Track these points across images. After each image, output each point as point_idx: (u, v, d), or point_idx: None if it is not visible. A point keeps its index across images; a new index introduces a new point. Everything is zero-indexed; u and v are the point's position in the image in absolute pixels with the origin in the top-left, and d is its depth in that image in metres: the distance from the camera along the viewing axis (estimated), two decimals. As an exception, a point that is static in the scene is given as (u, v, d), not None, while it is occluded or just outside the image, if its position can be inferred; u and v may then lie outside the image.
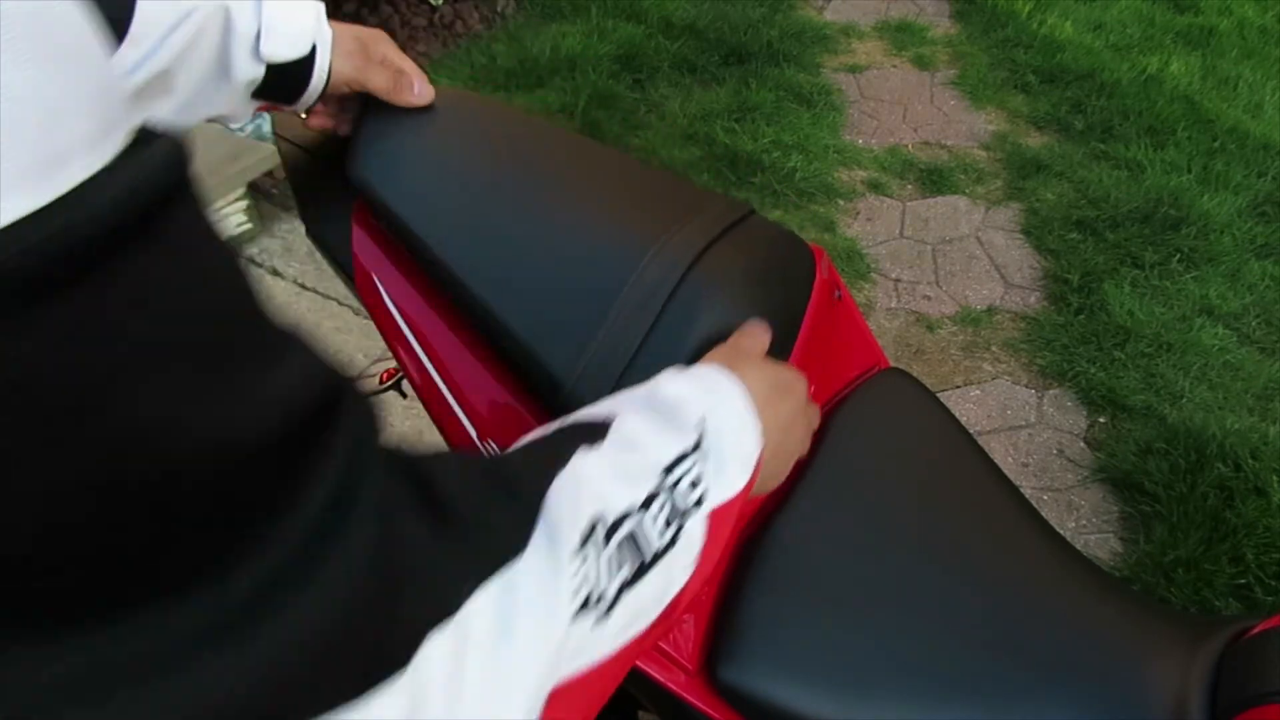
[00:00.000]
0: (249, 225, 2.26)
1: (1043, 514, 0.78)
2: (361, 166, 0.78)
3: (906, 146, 2.78)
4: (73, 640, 0.24)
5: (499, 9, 3.19)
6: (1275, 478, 1.73)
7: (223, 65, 0.67)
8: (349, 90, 0.75)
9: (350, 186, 0.79)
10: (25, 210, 0.22)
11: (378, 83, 0.75)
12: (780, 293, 0.75)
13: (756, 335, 0.66)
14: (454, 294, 0.72)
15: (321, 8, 0.71)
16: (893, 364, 0.87)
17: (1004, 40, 3.25)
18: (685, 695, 0.68)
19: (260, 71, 0.68)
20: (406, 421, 1.87)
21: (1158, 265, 2.30)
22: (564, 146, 0.83)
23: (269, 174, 2.35)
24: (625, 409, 0.49)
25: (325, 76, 0.72)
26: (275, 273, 2.20)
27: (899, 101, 2.97)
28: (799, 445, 0.62)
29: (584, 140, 0.85)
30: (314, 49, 0.71)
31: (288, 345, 0.30)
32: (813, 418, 0.65)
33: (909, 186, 2.63)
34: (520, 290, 0.70)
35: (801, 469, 0.75)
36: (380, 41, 0.75)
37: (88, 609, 0.25)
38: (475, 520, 0.36)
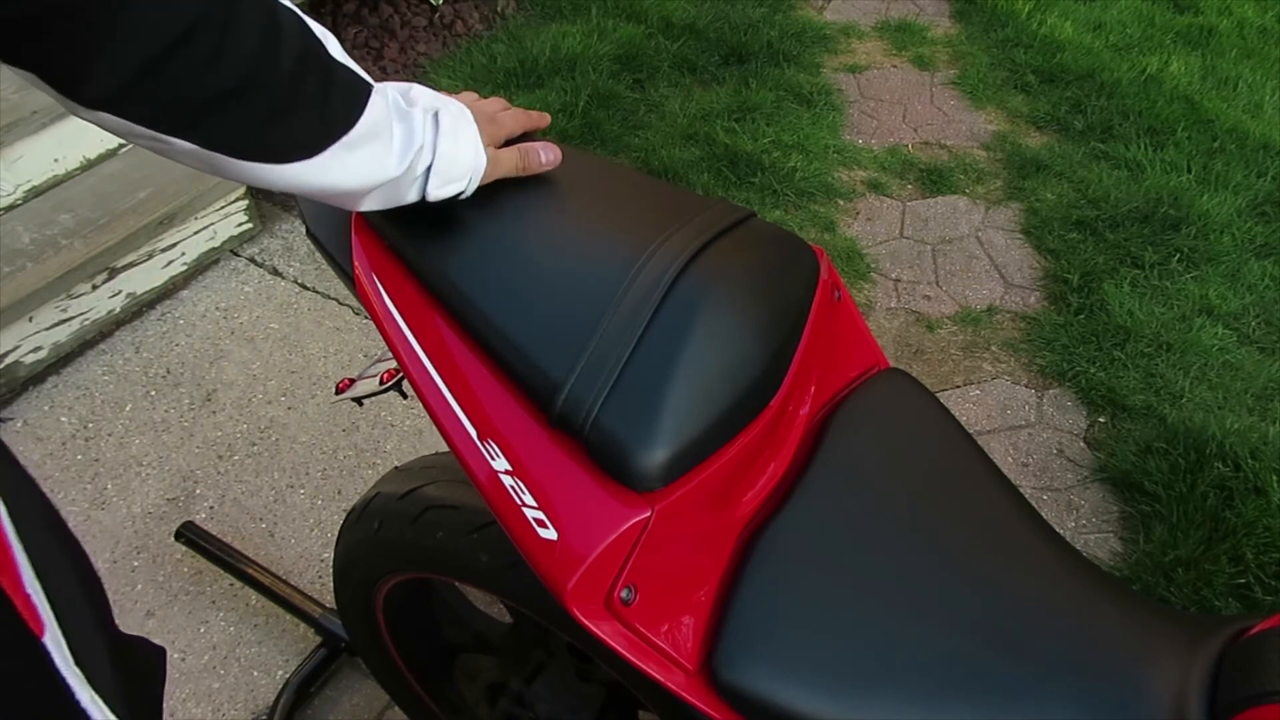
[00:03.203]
0: (249, 225, 2.26)
1: (1043, 514, 0.78)
2: None
3: (906, 146, 2.78)
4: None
5: (499, 9, 3.19)
6: (1275, 478, 1.73)
7: (390, 198, 0.70)
8: None
9: None
10: None
11: (508, 170, 0.77)
12: (783, 292, 0.75)
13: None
14: (451, 305, 0.73)
15: (477, 130, 0.72)
16: (893, 364, 0.87)
17: (1004, 40, 3.25)
18: (685, 695, 0.68)
19: (416, 199, 0.71)
20: (407, 421, 1.87)
21: (1158, 265, 2.30)
22: (564, 160, 0.83)
23: (269, 174, 2.35)
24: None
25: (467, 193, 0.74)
26: (275, 273, 2.20)
27: (899, 101, 2.97)
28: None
29: (584, 153, 0.85)
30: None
31: None
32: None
33: (909, 186, 2.63)
34: (516, 297, 0.71)
35: (802, 468, 0.76)
36: (492, 122, 0.76)
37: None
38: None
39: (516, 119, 0.79)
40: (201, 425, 1.85)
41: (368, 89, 0.63)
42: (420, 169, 0.68)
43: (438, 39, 3.03)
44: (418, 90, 0.70)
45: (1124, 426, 1.93)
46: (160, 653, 0.67)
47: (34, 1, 0.45)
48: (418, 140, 0.67)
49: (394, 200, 0.70)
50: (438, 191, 0.70)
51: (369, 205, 0.70)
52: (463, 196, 0.73)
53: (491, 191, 0.77)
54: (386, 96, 0.65)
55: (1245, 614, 0.77)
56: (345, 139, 0.61)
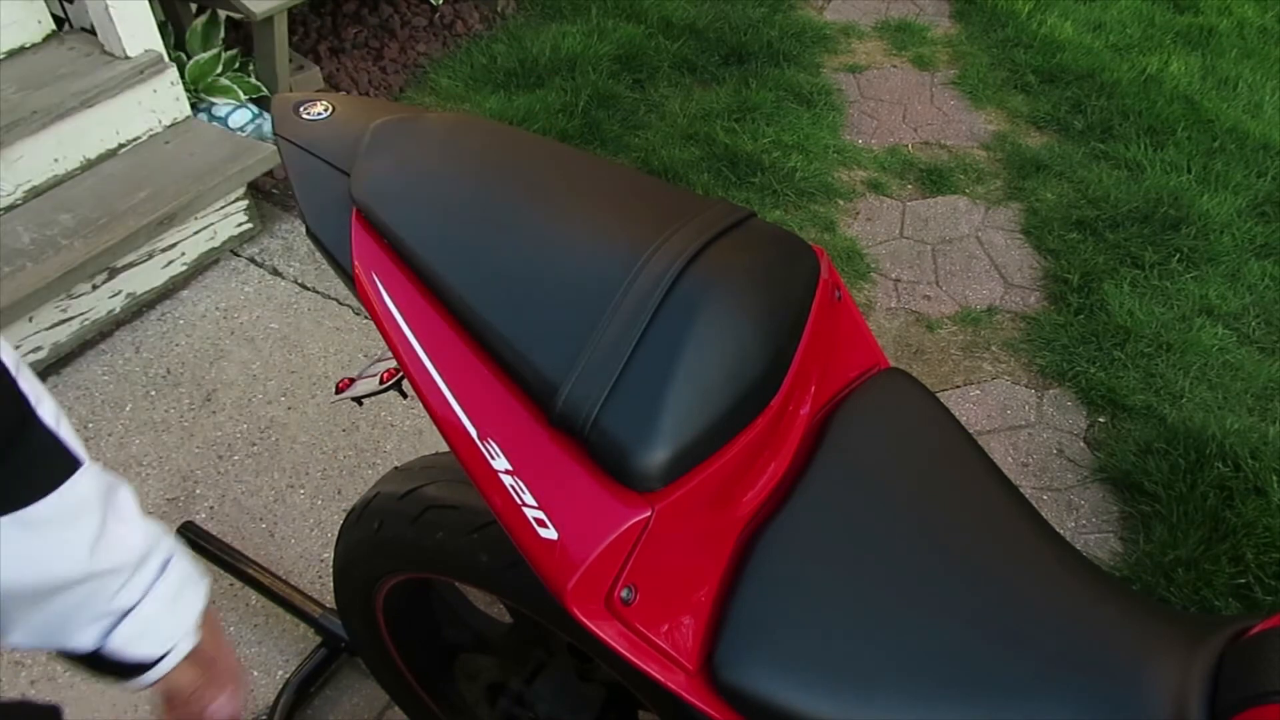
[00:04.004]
0: (249, 225, 2.26)
1: (1043, 514, 0.78)
2: (362, 187, 0.80)
3: (906, 146, 2.77)
4: None
5: (499, 9, 3.19)
6: (1275, 478, 1.73)
7: (58, 625, 0.57)
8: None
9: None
10: None
11: (188, 682, 0.67)
12: (783, 292, 0.75)
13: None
14: (451, 304, 0.73)
15: (200, 610, 0.64)
16: (893, 364, 0.87)
17: (1004, 40, 3.25)
18: (685, 695, 0.68)
19: (87, 648, 0.59)
20: (407, 421, 1.87)
21: (1158, 265, 2.30)
22: (564, 161, 0.83)
23: (269, 174, 2.36)
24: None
25: (157, 679, 0.63)
26: (275, 273, 2.20)
27: (899, 101, 2.97)
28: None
29: (587, 154, 0.86)
30: (161, 656, 0.62)
31: None
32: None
33: (909, 186, 2.63)
34: (516, 297, 0.71)
35: (803, 468, 0.76)
36: (217, 671, 0.68)
37: None
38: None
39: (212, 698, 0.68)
40: (201, 425, 1.85)
41: (73, 465, 0.54)
42: (116, 597, 0.58)
43: (438, 39, 3.03)
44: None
45: (1124, 426, 1.93)
46: (52, 712, 0.65)
47: None
48: (129, 555, 0.57)
49: (55, 631, 0.57)
50: (123, 643, 0.59)
51: (20, 635, 0.56)
52: (148, 677, 0.62)
53: (490, 205, 0.77)
54: (112, 494, 0.57)
55: (1245, 614, 0.76)
56: (24, 513, 0.51)
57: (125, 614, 0.58)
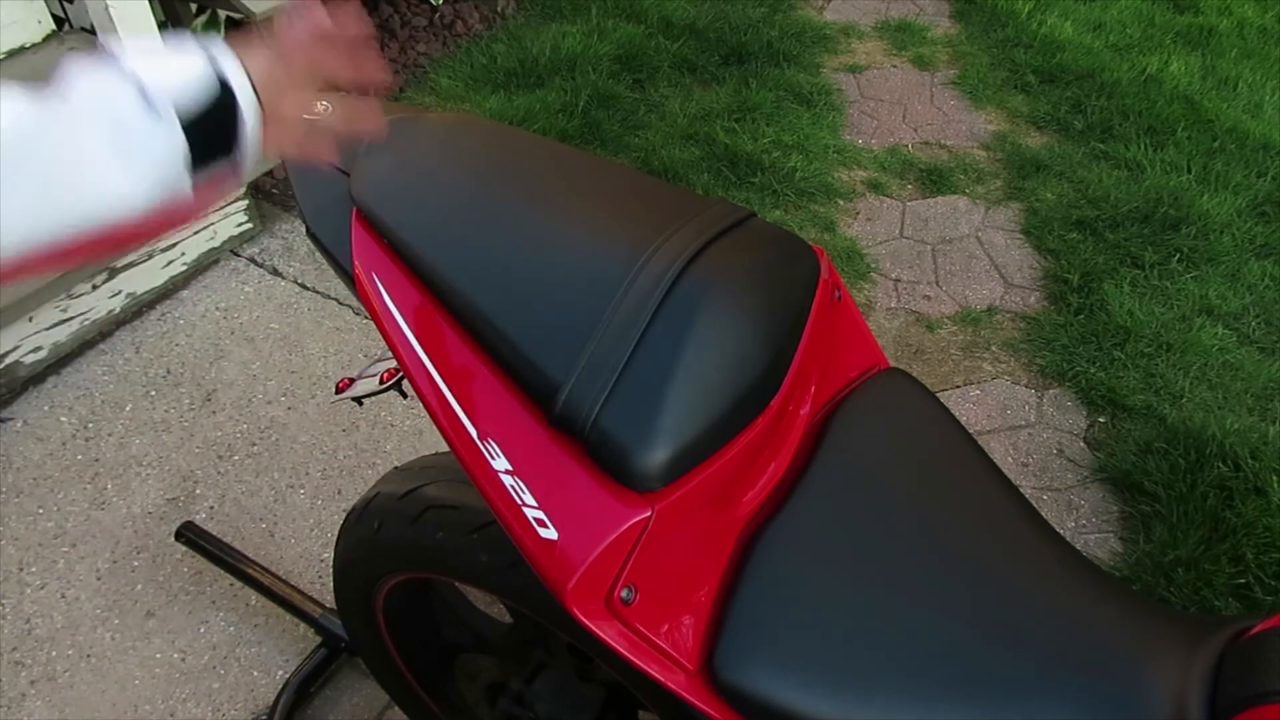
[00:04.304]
0: (249, 225, 2.26)
1: (1043, 514, 0.78)
2: (362, 187, 0.80)
3: (906, 146, 2.77)
4: None
5: (499, 9, 3.19)
6: (1275, 478, 1.73)
7: (121, 149, 0.54)
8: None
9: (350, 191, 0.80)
10: None
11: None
12: (783, 292, 0.75)
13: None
14: (451, 304, 0.73)
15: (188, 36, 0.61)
16: (893, 364, 0.87)
17: (1004, 40, 3.25)
18: (685, 695, 0.68)
19: (177, 135, 0.56)
20: (407, 421, 1.87)
21: (1158, 265, 2.30)
22: (564, 161, 0.83)
23: (269, 174, 2.36)
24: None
25: (254, 101, 0.60)
26: (275, 273, 2.20)
27: (899, 101, 2.97)
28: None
29: (587, 154, 0.86)
30: (223, 83, 0.59)
31: None
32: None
33: (909, 186, 2.63)
34: (516, 297, 0.71)
35: (802, 468, 0.76)
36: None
37: None
38: None
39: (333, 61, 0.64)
40: (201, 425, 1.85)
41: None
42: (128, 96, 0.54)
43: (438, 39, 3.03)
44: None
45: (1124, 426, 1.93)
46: None
47: None
48: (89, 93, 0.54)
49: (124, 164, 0.55)
50: (168, 97, 0.56)
51: (127, 180, 0.54)
52: (244, 102, 0.59)
53: (490, 204, 0.77)
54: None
55: (1245, 614, 0.76)
56: None
57: (143, 95, 0.55)
